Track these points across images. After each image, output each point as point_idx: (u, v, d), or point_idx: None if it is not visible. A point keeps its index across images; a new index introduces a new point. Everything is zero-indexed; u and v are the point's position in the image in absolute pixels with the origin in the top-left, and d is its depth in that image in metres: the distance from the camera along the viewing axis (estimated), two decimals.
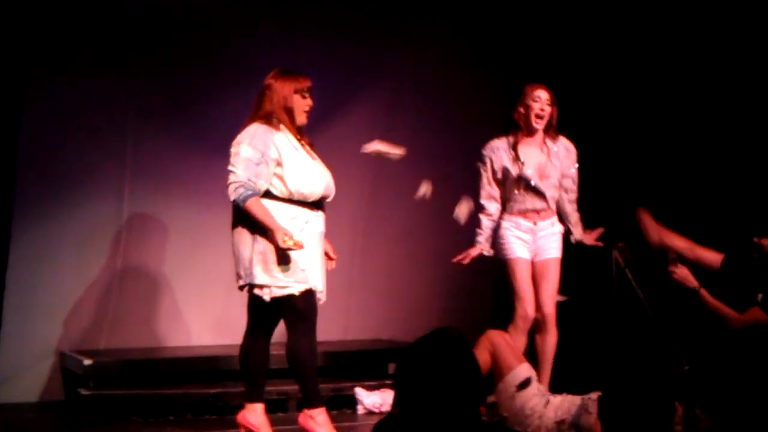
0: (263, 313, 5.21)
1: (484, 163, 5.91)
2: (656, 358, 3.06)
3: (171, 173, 6.83)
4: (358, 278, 7.25)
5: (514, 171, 5.82)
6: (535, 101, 5.83)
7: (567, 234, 5.99)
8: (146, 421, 5.97)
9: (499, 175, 5.88)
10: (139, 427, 5.86)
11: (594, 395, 5.23)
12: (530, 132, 5.87)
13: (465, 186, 6.05)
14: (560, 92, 5.99)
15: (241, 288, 5.21)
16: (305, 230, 5.13)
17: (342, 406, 6.30)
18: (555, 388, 5.75)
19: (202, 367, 6.40)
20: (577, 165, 5.97)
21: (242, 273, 5.14)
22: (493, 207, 5.91)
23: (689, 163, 6.61)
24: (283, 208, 5.09)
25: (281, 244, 4.94)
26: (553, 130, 5.91)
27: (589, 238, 5.95)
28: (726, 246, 5.42)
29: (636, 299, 5.11)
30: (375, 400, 6.23)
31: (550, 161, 5.88)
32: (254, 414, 5.32)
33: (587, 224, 6.03)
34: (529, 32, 7.46)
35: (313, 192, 5.18)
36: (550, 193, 5.88)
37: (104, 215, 6.71)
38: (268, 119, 5.16)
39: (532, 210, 5.86)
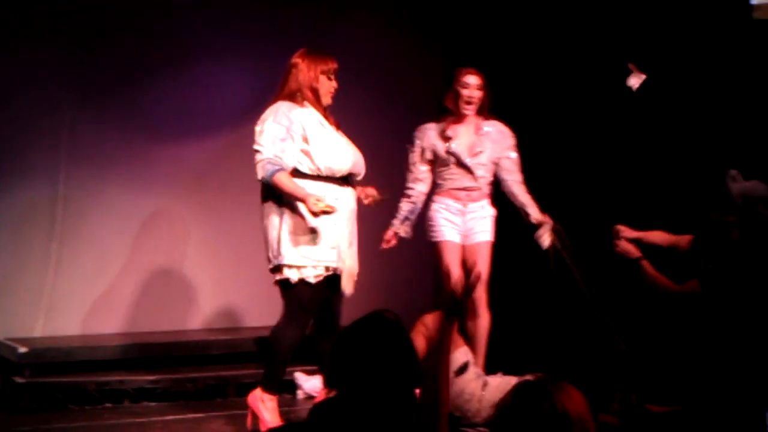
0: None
1: (413, 144, 5.91)
2: (593, 338, 3.07)
3: (109, 156, 6.72)
4: None
5: (442, 148, 5.82)
6: (465, 87, 5.81)
7: (523, 218, 5.95)
8: (83, 409, 5.90)
9: (429, 155, 5.87)
10: (76, 415, 5.79)
11: (531, 377, 5.25)
12: (461, 117, 5.86)
13: (405, 168, 6.03)
14: (500, 71, 6.00)
15: (272, 271, 5.18)
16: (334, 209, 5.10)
17: (282, 391, 6.24)
18: (491, 370, 5.77)
19: (140, 353, 6.33)
20: (515, 150, 5.96)
21: (271, 255, 5.13)
22: (416, 190, 5.90)
23: (626, 145, 6.67)
24: (311, 186, 5.07)
25: (313, 208, 4.89)
26: (486, 112, 5.90)
27: (548, 219, 5.92)
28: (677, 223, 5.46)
29: (572, 281, 5.15)
30: (315, 384, 6.22)
31: (480, 141, 5.86)
32: None
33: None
34: (470, 10, 7.45)
35: (342, 167, 5.17)
36: (480, 173, 5.84)
37: (39, 198, 6.60)
38: (293, 97, 5.17)
39: (462, 188, 5.85)
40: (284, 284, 5.13)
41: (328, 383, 2.63)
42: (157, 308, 6.84)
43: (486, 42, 7.28)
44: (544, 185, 6.49)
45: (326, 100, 5.24)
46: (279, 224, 5.07)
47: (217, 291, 6.97)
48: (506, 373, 5.55)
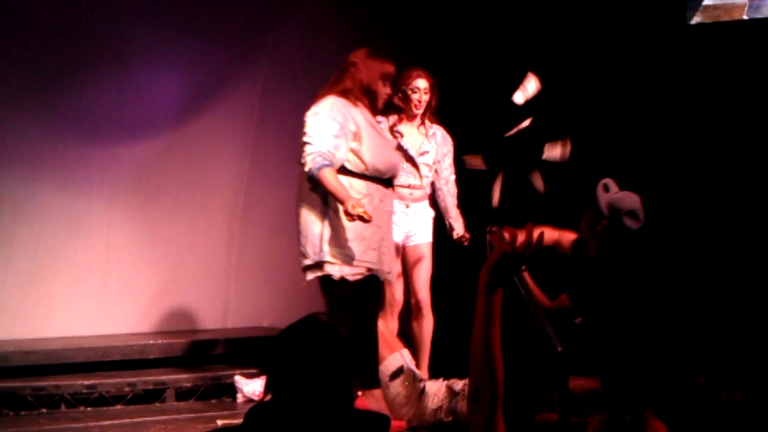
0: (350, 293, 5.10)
1: None
2: (531, 340, 3.07)
3: (42, 158, 6.58)
4: (237, 265, 7.19)
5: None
6: (414, 92, 5.84)
7: (447, 230, 5.97)
8: (18, 415, 5.80)
9: None
10: (11, 421, 5.69)
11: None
12: (410, 117, 5.90)
13: None
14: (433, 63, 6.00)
15: (306, 268, 5.10)
16: (378, 208, 5.08)
17: (222, 394, 6.25)
18: (435, 373, 5.78)
19: (76, 358, 6.24)
20: (451, 157, 5.98)
21: (310, 251, 5.05)
22: None
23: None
24: (357, 184, 5.05)
25: (350, 210, 4.79)
26: (431, 113, 5.93)
27: (467, 238, 5.92)
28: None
29: (511, 282, 5.15)
30: (255, 387, 6.18)
31: (427, 140, 5.91)
32: (373, 399, 5.18)
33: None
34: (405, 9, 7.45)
35: (389, 168, 5.17)
36: (425, 172, 5.88)
37: None
38: (346, 94, 5.10)
39: (407, 186, 5.85)
40: (325, 281, 5.09)
41: (266, 387, 2.61)
42: (93, 312, 6.75)
43: (422, 41, 7.29)
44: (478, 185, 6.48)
45: (379, 105, 5.23)
46: (322, 220, 5.00)
47: (155, 294, 6.90)
48: (448, 377, 5.56)
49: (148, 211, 6.92)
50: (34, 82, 6.54)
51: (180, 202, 6.97)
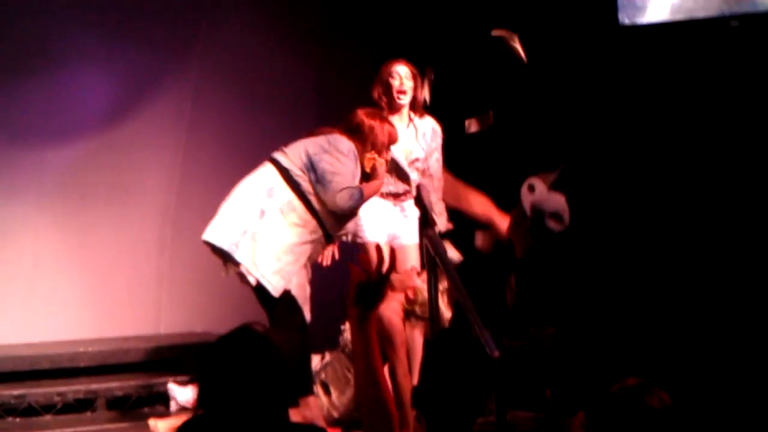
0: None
1: None
2: (468, 344, 3.04)
3: None
4: (169, 270, 7.09)
5: None
6: (393, 78, 5.48)
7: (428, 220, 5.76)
8: None
9: None
10: None
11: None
12: (394, 109, 5.53)
13: None
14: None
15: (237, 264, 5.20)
16: (305, 248, 5.10)
17: (155, 402, 6.15)
18: None
19: (4, 367, 6.12)
20: (440, 151, 5.73)
21: (226, 236, 5.24)
22: None
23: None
24: (311, 225, 5.09)
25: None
26: (420, 107, 5.61)
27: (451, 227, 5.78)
28: None
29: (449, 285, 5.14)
30: (189, 395, 6.09)
31: (417, 142, 5.59)
32: (307, 408, 5.13)
33: None
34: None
35: (336, 230, 5.23)
36: (414, 176, 5.56)
37: None
38: (361, 144, 5.21)
39: (394, 194, 5.57)
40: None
41: (198, 402, 2.54)
42: (22, 320, 6.64)
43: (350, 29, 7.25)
44: None
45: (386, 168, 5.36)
46: (262, 226, 5.11)
47: (85, 301, 6.80)
48: None
49: (77, 216, 6.82)
50: None
51: (110, 206, 6.87)
